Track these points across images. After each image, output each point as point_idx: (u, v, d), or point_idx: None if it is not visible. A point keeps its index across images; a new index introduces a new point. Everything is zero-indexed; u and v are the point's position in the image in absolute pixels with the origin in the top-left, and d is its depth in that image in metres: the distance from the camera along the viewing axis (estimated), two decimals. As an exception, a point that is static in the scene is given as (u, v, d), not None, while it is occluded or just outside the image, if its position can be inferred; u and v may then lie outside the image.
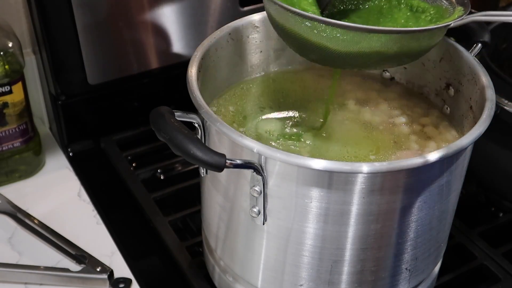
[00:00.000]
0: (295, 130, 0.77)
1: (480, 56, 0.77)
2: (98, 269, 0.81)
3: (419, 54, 0.70)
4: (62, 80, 0.99)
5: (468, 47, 0.77)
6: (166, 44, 1.02)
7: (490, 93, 0.69)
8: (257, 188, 0.64)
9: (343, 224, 0.65)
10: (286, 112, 0.80)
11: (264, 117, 0.79)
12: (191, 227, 0.93)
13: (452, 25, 0.68)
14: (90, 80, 0.99)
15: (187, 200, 0.95)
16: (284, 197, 0.65)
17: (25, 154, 0.95)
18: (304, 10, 0.69)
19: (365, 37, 0.64)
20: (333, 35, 0.64)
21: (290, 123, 0.78)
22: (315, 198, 0.63)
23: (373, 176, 0.61)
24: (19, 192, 0.94)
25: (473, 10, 0.74)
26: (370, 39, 0.64)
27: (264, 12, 0.81)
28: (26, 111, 0.93)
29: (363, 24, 0.66)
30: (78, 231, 0.88)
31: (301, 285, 0.70)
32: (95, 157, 1.04)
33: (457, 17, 0.68)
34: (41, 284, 0.81)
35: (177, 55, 1.04)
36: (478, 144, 0.66)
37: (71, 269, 0.81)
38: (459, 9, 0.70)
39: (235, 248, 0.73)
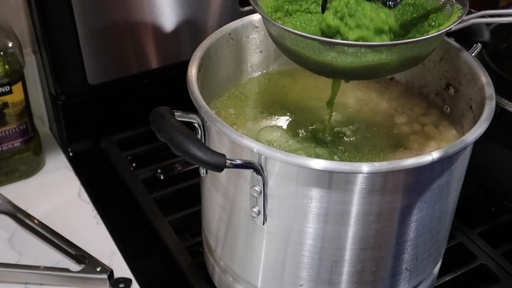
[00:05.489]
0: (296, 143, 0.76)
1: (480, 56, 0.77)
2: (98, 269, 0.81)
3: (421, 59, 0.69)
4: (62, 80, 0.99)
5: (468, 47, 0.76)
6: (166, 44, 1.02)
7: (490, 93, 0.69)
8: (257, 188, 0.64)
9: (343, 224, 0.65)
10: (286, 116, 0.79)
11: (264, 121, 0.78)
12: (191, 227, 0.93)
13: (453, 28, 0.67)
14: (90, 80, 0.99)
15: (187, 200, 0.95)
16: (284, 197, 0.64)
17: (25, 154, 0.95)
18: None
19: (365, 53, 0.64)
20: (334, 54, 0.64)
21: (291, 127, 0.77)
22: (315, 198, 0.63)
23: (373, 176, 0.61)
24: (19, 192, 0.94)
25: (472, 10, 0.73)
26: (371, 54, 0.63)
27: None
28: (26, 111, 0.93)
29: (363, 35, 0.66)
30: (78, 231, 0.88)
31: (301, 285, 0.70)
32: (95, 157, 1.04)
33: (457, 19, 0.67)
34: (41, 284, 0.81)
35: (177, 55, 1.04)
36: (478, 144, 0.66)
37: (71, 269, 0.81)
38: (457, 8, 0.69)
39: (235, 248, 0.73)
